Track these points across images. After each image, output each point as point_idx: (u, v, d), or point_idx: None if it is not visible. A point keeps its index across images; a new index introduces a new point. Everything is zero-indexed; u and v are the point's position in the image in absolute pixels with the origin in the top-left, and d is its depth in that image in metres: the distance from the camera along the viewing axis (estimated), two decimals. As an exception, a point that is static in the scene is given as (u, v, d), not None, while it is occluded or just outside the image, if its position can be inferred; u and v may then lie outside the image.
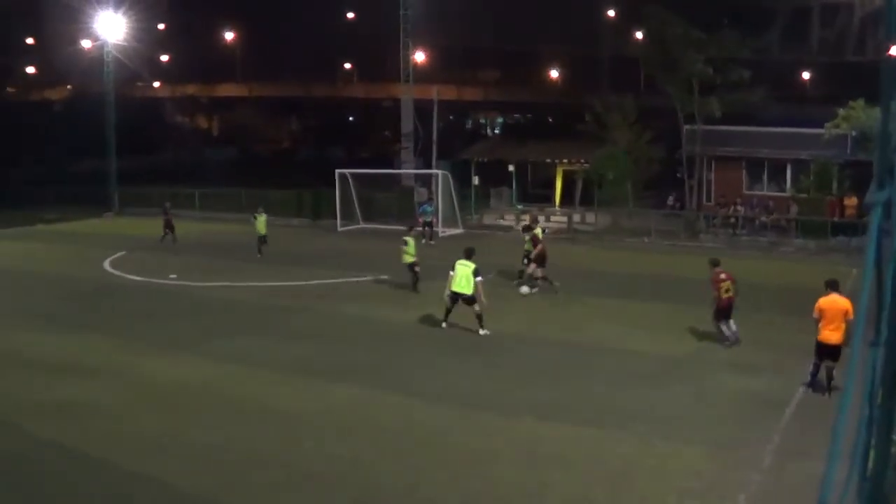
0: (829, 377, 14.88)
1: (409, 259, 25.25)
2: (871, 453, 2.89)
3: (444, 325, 20.42)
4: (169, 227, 36.17)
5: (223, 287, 26.61)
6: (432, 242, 35.19)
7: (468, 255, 20.17)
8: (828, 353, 14.82)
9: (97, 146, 53.44)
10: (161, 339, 19.88)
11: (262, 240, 33.12)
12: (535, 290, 24.62)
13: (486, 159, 49.30)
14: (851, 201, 34.94)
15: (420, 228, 27.26)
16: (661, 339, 19.30)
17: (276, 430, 13.88)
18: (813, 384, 15.13)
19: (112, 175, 51.94)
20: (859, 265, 28.63)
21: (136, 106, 69.63)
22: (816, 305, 15.05)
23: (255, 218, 33.53)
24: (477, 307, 19.74)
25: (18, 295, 26.59)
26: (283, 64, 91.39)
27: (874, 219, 2.46)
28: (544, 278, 24.69)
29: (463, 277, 19.70)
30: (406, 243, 25.34)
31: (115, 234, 35.02)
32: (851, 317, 14.48)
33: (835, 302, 14.87)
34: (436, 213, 37.68)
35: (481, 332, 19.76)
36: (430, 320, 21.62)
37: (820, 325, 14.89)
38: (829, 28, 72.02)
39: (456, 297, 19.88)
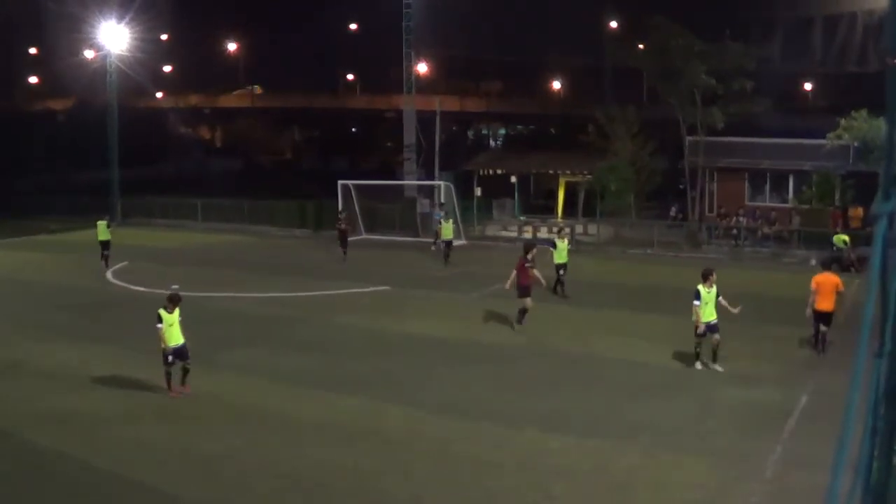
0: (824, 339, 18.37)
1: (560, 259, 25.80)
2: (875, 465, 2.88)
3: (718, 368, 17.54)
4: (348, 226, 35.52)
5: (226, 298, 26.62)
6: (433, 249, 35.18)
7: (706, 278, 17.63)
8: (822, 318, 18.24)
9: (100, 157, 53.56)
10: (163, 350, 19.86)
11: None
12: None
13: (488, 170, 49.40)
14: (857, 212, 34.90)
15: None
16: (664, 351, 19.25)
17: (279, 440, 13.87)
18: (816, 344, 18.53)
19: (114, 185, 52.03)
20: (862, 275, 28.55)
21: (139, 116, 69.82)
22: (813, 280, 18.52)
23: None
24: (717, 336, 17.49)
25: (21, 305, 26.60)
26: (286, 75, 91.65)
27: (879, 230, 2.46)
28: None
29: (711, 304, 17.48)
30: (555, 246, 25.94)
31: (117, 245, 35.07)
32: (842, 289, 18.26)
33: (828, 277, 18.44)
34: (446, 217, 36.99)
35: (718, 368, 17.57)
36: (430, 330, 21.63)
37: (815, 297, 18.22)
38: (832, 38, 72.09)
39: (709, 327, 17.49)
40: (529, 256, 21.77)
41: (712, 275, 17.60)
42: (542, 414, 14.95)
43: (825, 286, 18.20)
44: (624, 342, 20.23)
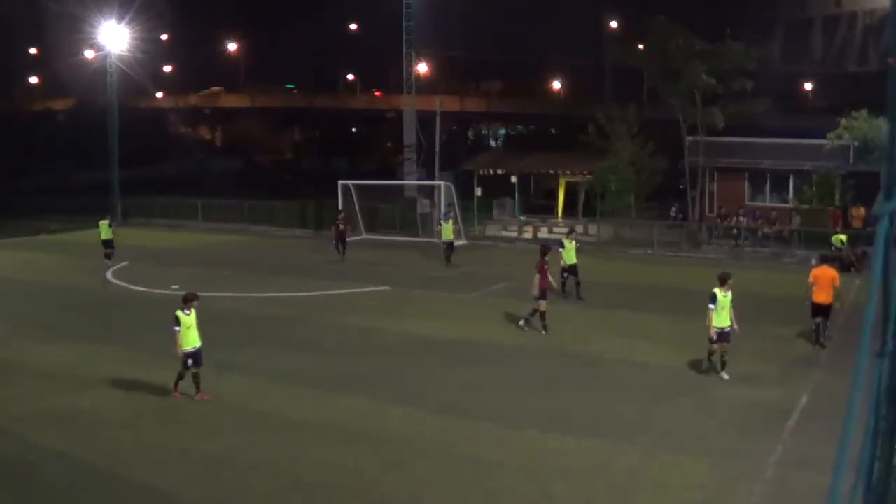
0: (823, 330, 19.15)
1: (569, 261, 25.16)
2: (876, 464, 2.88)
3: (724, 375, 16.92)
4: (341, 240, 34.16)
5: (226, 298, 26.59)
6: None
7: (723, 282, 16.99)
8: (820, 311, 19.05)
9: (100, 157, 53.51)
10: (163, 350, 19.75)
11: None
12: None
13: (488, 170, 49.33)
14: (859, 212, 34.82)
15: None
16: (664, 351, 19.26)
17: (278, 441, 13.86)
18: (817, 339, 19.16)
19: (114, 185, 51.98)
20: (864, 275, 28.45)
21: (139, 116, 69.84)
22: (811, 273, 19.45)
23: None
24: (726, 344, 16.91)
25: (21, 305, 26.58)
26: (286, 75, 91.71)
27: (881, 230, 2.45)
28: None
29: (726, 309, 16.87)
30: (563, 246, 25.27)
31: (117, 245, 35.03)
32: (838, 283, 19.11)
33: (825, 271, 19.27)
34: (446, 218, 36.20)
35: (724, 375, 16.96)
36: (430, 330, 21.62)
37: (813, 290, 19.04)
38: (832, 38, 72.15)
39: (720, 335, 16.88)
40: (547, 258, 21.69)
41: (730, 279, 17.00)
42: (542, 414, 14.94)
43: (822, 279, 19.07)
44: (624, 342, 20.22)
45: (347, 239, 34.36)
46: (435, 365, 18.51)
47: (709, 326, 16.85)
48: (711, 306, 16.75)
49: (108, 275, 31.28)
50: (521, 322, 21.45)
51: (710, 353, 17.21)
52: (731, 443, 13.47)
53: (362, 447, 13.52)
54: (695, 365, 17.80)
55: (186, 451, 13.51)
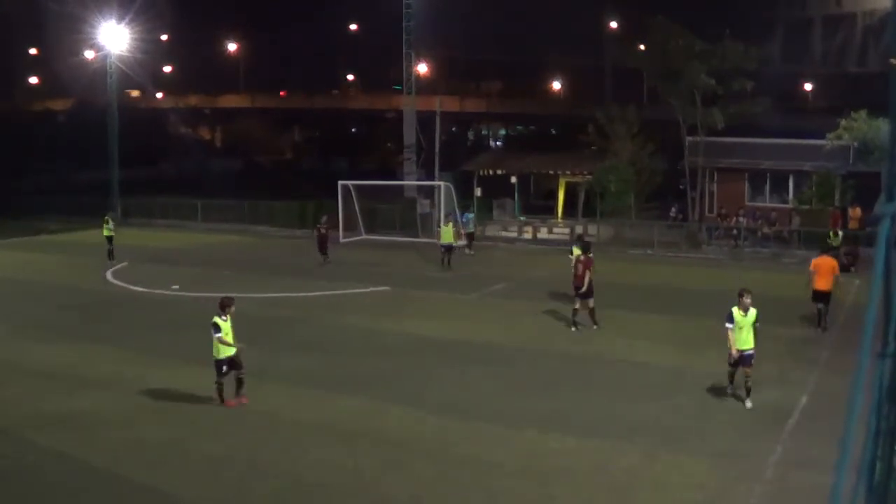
0: (824, 318, 20.47)
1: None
2: (877, 465, 2.88)
3: (748, 404, 15.22)
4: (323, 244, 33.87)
5: (226, 297, 26.57)
6: (472, 252, 34.96)
7: (740, 298, 15.41)
8: (821, 297, 20.38)
9: (100, 157, 53.49)
10: (163, 350, 19.86)
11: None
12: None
13: (488, 171, 49.32)
14: (856, 212, 34.82)
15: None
16: (664, 351, 19.26)
17: (278, 441, 13.87)
18: (819, 323, 20.56)
19: (114, 185, 51.96)
20: (863, 276, 28.41)
21: (139, 116, 69.78)
22: (812, 263, 20.81)
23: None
24: (748, 369, 15.29)
25: (21, 305, 26.59)
26: (286, 75, 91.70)
27: (882, 231, 2.45)
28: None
29: (745, 329, 15.30)
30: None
31: (116, 245, 35.07)
32: (837, 272, 20.51)
33: (825, 260, 20.61)
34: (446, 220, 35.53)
35: (748, 403, 15.30)
36: (430, 331, 21.62)
37: (814, 278, 20.35)
38: (832, 38, 72.12)
39: (740, 357, 15.34)
40: (591, 255, 22.31)
41: (743, 296, 15.30)
42: (542, 414, 14.94)
43: (823, 268, 20.43)
44: (624, 342, 20.21)
45: (339, 241, 34.43)
46: (435, 365, 18.51)
47: (730, 347, 15.33)
48: (729, 325, 15.25)
49: (108, 275, 31.29)
50: (594, 329, 21.47)
51: (731, 376, 15.73)
52: (731, 443, 13.47)
53: (362, 447, 13.52)
54: (695, 365, 17.79)
55: (186, 451, 13.52)
